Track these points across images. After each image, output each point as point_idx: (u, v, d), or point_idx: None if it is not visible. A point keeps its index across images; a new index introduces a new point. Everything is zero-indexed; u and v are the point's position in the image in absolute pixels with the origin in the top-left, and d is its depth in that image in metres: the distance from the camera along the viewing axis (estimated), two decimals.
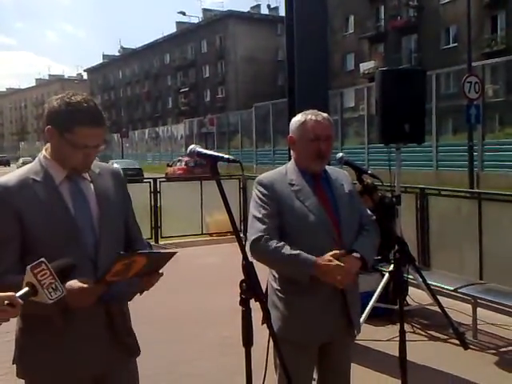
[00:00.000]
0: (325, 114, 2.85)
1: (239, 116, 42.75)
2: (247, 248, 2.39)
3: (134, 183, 11.20)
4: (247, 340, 2.10)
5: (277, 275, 2.78)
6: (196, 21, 64.65)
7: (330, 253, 2.60)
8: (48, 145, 2.22)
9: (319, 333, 2.73)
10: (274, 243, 2.64)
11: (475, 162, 19.07)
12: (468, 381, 4.30)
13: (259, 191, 2.78)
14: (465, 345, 3.22)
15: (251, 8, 66.91)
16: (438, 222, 7.03)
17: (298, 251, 2.61)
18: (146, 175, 23.38)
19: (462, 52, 26.33)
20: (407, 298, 5.67)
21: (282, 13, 7.51)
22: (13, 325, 2.08)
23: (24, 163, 33.95)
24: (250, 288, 2.07)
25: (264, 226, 2.67)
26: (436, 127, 24.23)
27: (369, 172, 2.95)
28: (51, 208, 2.11)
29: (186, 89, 65.12)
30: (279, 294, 2.75)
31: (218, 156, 2.23)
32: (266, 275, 2.79)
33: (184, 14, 57.45)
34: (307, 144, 2.76)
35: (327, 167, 2.89)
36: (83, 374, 2.20)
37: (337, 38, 43.67)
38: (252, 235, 2.68)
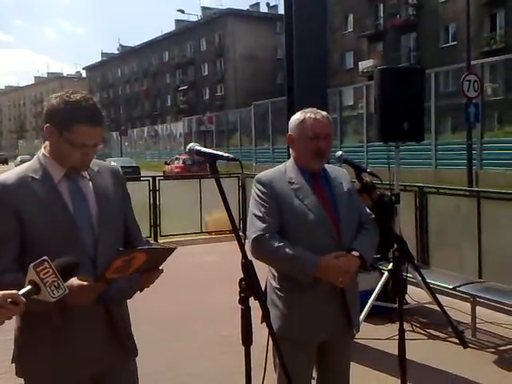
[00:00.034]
0: (324, 113, 2.84)
1: (238, 114, 42.72)
2: (247, 246, 2.38)
3: (134, 181, 11.20)
4: (247, 339, 2.10)
5: (276, 274, 2.78)
6: (195, 19, 64.60)
7: (333, 254, 2.61)
8: (47, 143, 2.21)
9: (318, 331, 2.73)
10: (275, 242, 2.63)
11: (474, 161, 19.12)
12: (467, 379, 4.30)
13: (258, 189, 2.77)
14: (464, 343, 3.22)
15: (250, 6, 66.90)
16: (437, 220, 7.03)
17: (300, 251, 2.61)
18: (144, 173, 23.38)
19: (461, 50, 26.30)
20: (406, 296, 5.68)
21: (281, 11, 7.51)
22: (12, 323, 2.07)
23: (22, 161, 33.94)
24: (250, 286, 2.07)
25: (264, 225, 2.67)
26: (435, 126, 24.24)
27: (368, 170, 2.95)
28: (50, 206, 2.11)
29: (185, 87, 65.07)
30: (278, 292, 2.75)
31: (217, 154, 2.22)
32: (265, 274, 2.78)
33: (183, 12, 57.60)
34: (306, 142, 2.76)
35: (326, 166, 2.88)
36: (82, 373, 2.20)
37: (336, 37, 43.67)
38: (253, 234, 2.67)
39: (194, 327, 5.67)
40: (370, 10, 43.18)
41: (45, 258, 1.73)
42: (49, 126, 2.13)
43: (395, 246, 2.89)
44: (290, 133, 2.86)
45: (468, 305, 5.27)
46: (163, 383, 4.42)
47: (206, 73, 62.71)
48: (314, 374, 2.92)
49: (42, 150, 2.22)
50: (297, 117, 2.83)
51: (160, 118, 69.16)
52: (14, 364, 2.24)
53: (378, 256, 5.41)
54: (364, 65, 42.18)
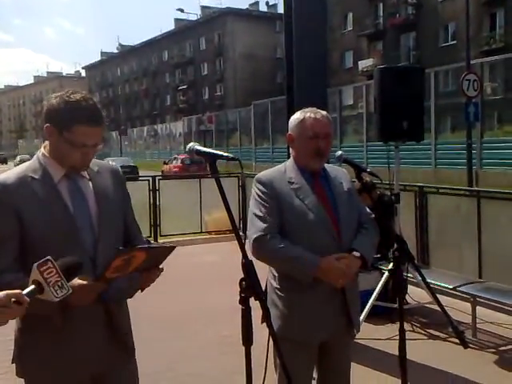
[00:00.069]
0: (324, 112, 2.84)
1: (238, 114, 42.71)
2: (247, 246, 2.38)
3: (132, 181, 11.19)
4: (247, 339, 2.10)
5: (276, 274, 2.77)
6: (194, 18, 64.66)
7: (334, 255, 2.61)
8: (46, 142, 2.21)
9: (319, 331, 2.73)
10: (277, 243, 2.63)
11: (474, 160, 19.11)
12: (467, 379, 4.30)
13: (259, 189, 2.77)
14: (464, 343, 3.21)
15: (250, 5, 66.87)
16: (437, 220, 7.03)
17: (300, 251, 2.61)
18: (144, 173, 23.39)
19: (461, 50, 26.25)
20: (406, 296, 5.67)
21: (281, 10, 7.54)
22: (12, 323, 2.07)
23: (21, 161, 33.97)
24: (250, 286, 2.06)
25: (265, 225, 2.66)
26: (435, 125, 24.22)
27: (368, 170, 2.94)
28: (50, 206, 2.10)
29: (185, 86, 65.07)
30: (279, 292, 2.75)
31: (217, 154, 2.22)
32: (265, 274, 2.78)
33: (182, 11, 57.75)
34: (306, 142, 2.76)
35: (326, 165, 2.88)
36: (83, 373, 2.20)
37: (335, 36, 43.68)
38: (254, 234, 2.67)
39: (195, 327, 5.66)
40: (370, 9, 43.20)
41: (48, 257, 1.73)
42: (49, 125, 2.13)
43: (395, 245, 2.88)
44: (289, 132, 2.86)
45: (468, 305, 5.26)
46: (163, 383, 4.42)
47: (206, 72, 62.71)
48: (315, 374, 2.91)
49: (42, 149, 2.22)
50: (297, 116, 2.83)
51: (159, 117, 69.17)
52: (14, 364, 2.23)
53: (378, 256, 5.42)
54: (364, 64, 42.19)
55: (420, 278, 4.46)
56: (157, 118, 69.48)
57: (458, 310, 5.40)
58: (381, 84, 5.46)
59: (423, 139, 5.64)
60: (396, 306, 4.81)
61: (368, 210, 2.92)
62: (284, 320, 2.71)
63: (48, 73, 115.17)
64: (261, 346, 2.39)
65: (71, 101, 2.10)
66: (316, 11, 5.27)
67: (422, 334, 5.28)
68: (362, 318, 4.79)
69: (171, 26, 72.18)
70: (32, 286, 1.71)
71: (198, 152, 2.24)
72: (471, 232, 6.30)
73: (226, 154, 2.23)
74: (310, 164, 2.78)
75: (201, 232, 10.97)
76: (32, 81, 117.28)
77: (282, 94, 6.19)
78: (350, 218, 2.77)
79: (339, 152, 3.05)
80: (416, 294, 5.74)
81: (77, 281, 1.94)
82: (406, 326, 3.60)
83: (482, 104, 19.65)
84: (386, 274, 5.34)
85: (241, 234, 2.12)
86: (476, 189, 10.75)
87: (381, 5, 42.59)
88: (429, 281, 4.01)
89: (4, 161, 68.12)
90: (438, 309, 3.10)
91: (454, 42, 36.10)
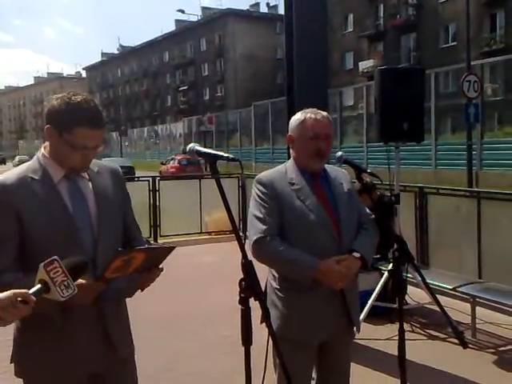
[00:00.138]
0: (324, 113, 2.84)
1: (238, 114, 42.72)
2: (247, 247, 2.38)
3: (130, 182, 11.18)
4: (246, 339, 2.10)
5: (276, 274, 2.78)
6: (195, 19, 64.57)
7: (334, 258, 2.61)
8: (47, 143, 2.21)
9: (318, 331, 2.73)
10: (277, 245, 2.63)
11: (474, 161, 19.12)
12: (467, 380, 4.30)
13: (259, 190, 2.77)
14: (464, 344, 3.23)
15: (250, 6, 66.90)
16: (436, 220, 7.04)
17: (299, 254, 2.61)
18: (143, 173, 23.36)
19: (461, 51, 26.29)
20: (406, 296, 5.67)
21: (281, 11, 7.51)
22: (12, 324, 2.07)
23: (20, 161, 33.95)
24: (250, 287, 2.07)
25: (265, 227, 2.66)
26: (435, 126, 24.22)
27: (368, 171, 2.95)
28: (49, 207, 2.10)
29: (185, 87, 65.07)
30: (278, 292, 2.75)
31: (217, 154, 2.22)
32: (265, 274, 2.78)
33: (183, 12, 57.37)
34: (306, 142, 2.76)
35: (326, 166, 2.88)
36: (82, 373, 2.20)
37: (336, 37, 43.66)
38: (254, 235, 2.67)
39: (194, 327, 5.67)
40: (370, 10, 43.18)
41: (55, 257, 1.73)
42: (49, 127, 2.13)
43: (395, 246, 2.89)
44: (290, 133, 2.86)
45: (468, 305, 5.26)
46: (163, 383, 4.42)
47: (206, 73, 62.71)
48: (314, 375, 2.92)
49: (42, 150, 2.22)
50: (297, 117, 2.83)
51: (160, 118, 69.15)
52: (13, 364, 2.23)
53: (378, 256, 5.42)
54: (364, 65, 42.19)
55: (420, 279, 4.46)
56: (157, 118, 69.47)
57: (458, 310, 5.40)
58: (381, 85, 5.47)
59: (423, 140, 5.65)
60: (395, 306, 4.81)
61: (368, 210, 2.92)
62: (283, 320, 2.71)
63: (48, 73, 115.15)
64: (260, 346, 2.39)
65: (72, 102, 2.10)
66: (316, 12, 5.27)
67: (421, 334, 5.29)
68: (361, 318, 4.79)
69: (172, 27, 72.23)
70: (38, 286, 1.72)
71: (199, 153, 2.25)
72: (471, 233, 6.31)
73: (226, 155, 2.23)
74: (311, 165, 2.78)
75: (201, 232, 10.97)
76: (32, 81, 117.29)
77: (283, 94, 6.19)
78: (350, 219, 2.77)
79: (339, 153, 3.05)
80: (415, 295, 5.74)
81: (78, 280, 1.95)
82: (406, 327, 3.61)
83: (482, 105, 19.67)
84: (386, 274, 5.34)
85: (241, 234, 2.13)
86: (476, 189, 10.75)
87: (381, 6, 42.59)
88: (428, 281, 4.01)
89: (3, 161, 68.10)
90: (438, 309, 3.10)
91: (455, 43, 36.11)
